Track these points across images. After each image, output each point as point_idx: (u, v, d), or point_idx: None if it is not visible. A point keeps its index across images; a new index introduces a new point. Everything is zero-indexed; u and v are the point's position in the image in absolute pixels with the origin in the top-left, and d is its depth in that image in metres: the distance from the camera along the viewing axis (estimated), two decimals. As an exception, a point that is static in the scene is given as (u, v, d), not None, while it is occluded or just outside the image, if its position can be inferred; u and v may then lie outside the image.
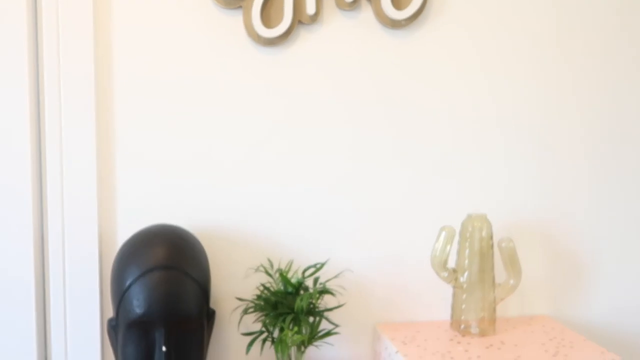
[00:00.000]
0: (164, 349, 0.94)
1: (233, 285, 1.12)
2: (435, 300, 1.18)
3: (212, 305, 1.11)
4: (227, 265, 1.11)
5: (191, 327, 0.97)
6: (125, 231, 1.08)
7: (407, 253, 1.16)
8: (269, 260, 1.12)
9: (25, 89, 1.03)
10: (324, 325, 1.13)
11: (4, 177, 1.03)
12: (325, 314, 1.13)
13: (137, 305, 0.94)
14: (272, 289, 1.05)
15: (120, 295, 0.96)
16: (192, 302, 0.97)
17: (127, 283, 0.95)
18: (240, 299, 1.11)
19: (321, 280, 1.11)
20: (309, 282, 1.10)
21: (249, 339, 1.11)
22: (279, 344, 1.01)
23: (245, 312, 1.04)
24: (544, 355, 0.99)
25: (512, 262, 1.11)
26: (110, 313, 1.09)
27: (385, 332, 1.10)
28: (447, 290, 1.17)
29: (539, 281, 1.21)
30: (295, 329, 0.99)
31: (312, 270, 1.07)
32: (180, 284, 0.96)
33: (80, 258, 1.06)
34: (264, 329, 1.06)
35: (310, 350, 1.14)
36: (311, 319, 1.04)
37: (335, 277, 1.13)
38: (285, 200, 1.12)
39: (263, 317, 1.05)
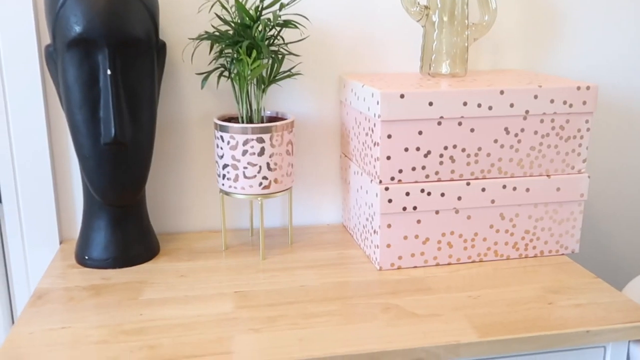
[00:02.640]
0: (108, 72, 0.86)
1: (184, 26, 1.02)
2: (404, 53, 1.10)
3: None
4: (177, 5, 1.01)
5: (138, 51, 0.88)
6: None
7: (375, -5, 1.07)
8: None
9: None
10: (286, 67, 1.05)
11: None
12: (288, 57, 1.05)
13: (75, 21, 0.84)
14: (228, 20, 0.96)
15: (56, 13, 0.85)
16: (138, 22, 0.87)
17: (63, -2, 0.85)
18: (192, 39, 1.02)
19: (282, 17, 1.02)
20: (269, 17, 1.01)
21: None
22: (237, 77, 0.94)
23: (198, 40, 0.95)
24: (518, 85, 0.94)
25: (488, -2, 1.04)
26: (47, 40, 0.98)
27: (350, 78, 1.03)
28: (418, 41, 1.09)
29: (512, 34, 1.14)
30: (255, 54, 0.91)
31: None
32: (124, 0, 0.85)
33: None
34: (219, 65, 0.98)
35: (273, 94, 1.08)
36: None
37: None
38: None
39: (218, 54, 0.97)
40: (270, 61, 0.97)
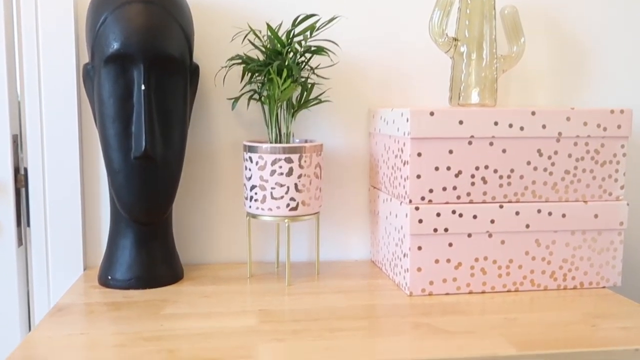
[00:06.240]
0: (142, 87, 0.88)
1: (218, 54, 1.05)
2: (434, 86, 1.11)
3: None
4: (211, 33, 1.04)
5: (172, 69, 0.90)
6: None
7: (404, 29, 1.09)
8: (257, 30, 1.05)
9: None
10: (316, 94, 1.07)
11: None
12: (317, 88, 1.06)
13: (114, 38, 0.87)
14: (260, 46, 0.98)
15: (96, 31, 0.89)
16: (174, 42, 0.90)
17: (103, 17, 0.88)
18: (225, 65, 1.04)
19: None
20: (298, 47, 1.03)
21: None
22: (267, 99, 0.95)
23: (230, 64, 0.97)
24: (549, 107, 0.93)
25: (516, 30, 1.04)
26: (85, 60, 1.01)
27: (380, 109, 1.04)
28: (446, 73, 1.10)
29: (542, 70, 1.14)
30: (285, 74, 0.92)
31: (304, 25, 0.99)
32: (161, 20, 0.89)
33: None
34: (250, 90, 0.99)
35: (303, 122, 1.08)
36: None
37: (330, 22, 0.99)
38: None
39: (248, 80, 0.99)
40: (300, 88, 0.99)
